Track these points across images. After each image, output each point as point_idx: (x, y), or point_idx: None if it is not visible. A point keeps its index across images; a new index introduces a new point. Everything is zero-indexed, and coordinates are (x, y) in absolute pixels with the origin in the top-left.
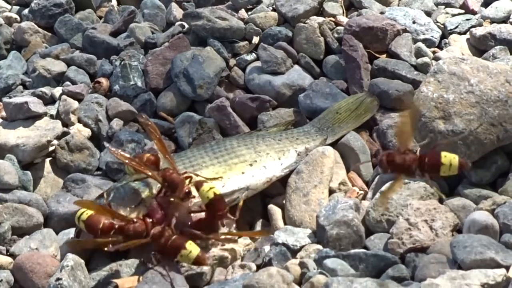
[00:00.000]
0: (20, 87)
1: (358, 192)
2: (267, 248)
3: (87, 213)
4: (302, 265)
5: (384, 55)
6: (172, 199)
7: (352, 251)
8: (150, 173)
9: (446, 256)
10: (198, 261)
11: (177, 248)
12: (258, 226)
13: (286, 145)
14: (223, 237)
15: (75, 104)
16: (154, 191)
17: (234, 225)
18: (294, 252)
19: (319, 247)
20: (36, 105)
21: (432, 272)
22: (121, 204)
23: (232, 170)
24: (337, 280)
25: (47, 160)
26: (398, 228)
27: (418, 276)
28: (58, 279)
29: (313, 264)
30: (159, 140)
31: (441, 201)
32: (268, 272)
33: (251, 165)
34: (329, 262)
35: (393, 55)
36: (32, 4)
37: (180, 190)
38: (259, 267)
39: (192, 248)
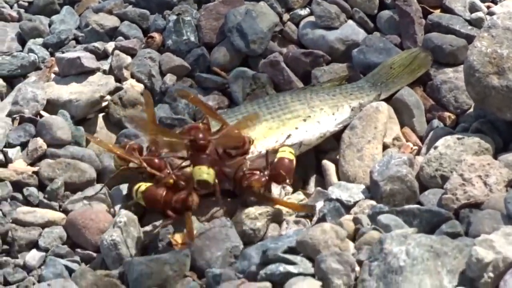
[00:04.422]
0: (73, 42)
1: (412, 148)
2: (321, 203)
3: (145, 185)
4: (356, 221)
5: (438, 10)
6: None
7: (406, 206)
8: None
9: (500, 212)
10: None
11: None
12: (312, 182)
13: (340, 100)
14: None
15: (128, 59)
16: None
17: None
18: (348, 208)
19: (373, 202)
20: (88, 60)
21: (486, 228)
22: None
23: (286, 126)
24: (391, 236)
25: (100, 115)
26: (452, 183)
27: (472, 232)
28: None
29: (366, 220)
30: (203, 105)
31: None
32: (321, 228)
33: (304, 120)
34: (382, 218)
35: (447, 10)
36: None
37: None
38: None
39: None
